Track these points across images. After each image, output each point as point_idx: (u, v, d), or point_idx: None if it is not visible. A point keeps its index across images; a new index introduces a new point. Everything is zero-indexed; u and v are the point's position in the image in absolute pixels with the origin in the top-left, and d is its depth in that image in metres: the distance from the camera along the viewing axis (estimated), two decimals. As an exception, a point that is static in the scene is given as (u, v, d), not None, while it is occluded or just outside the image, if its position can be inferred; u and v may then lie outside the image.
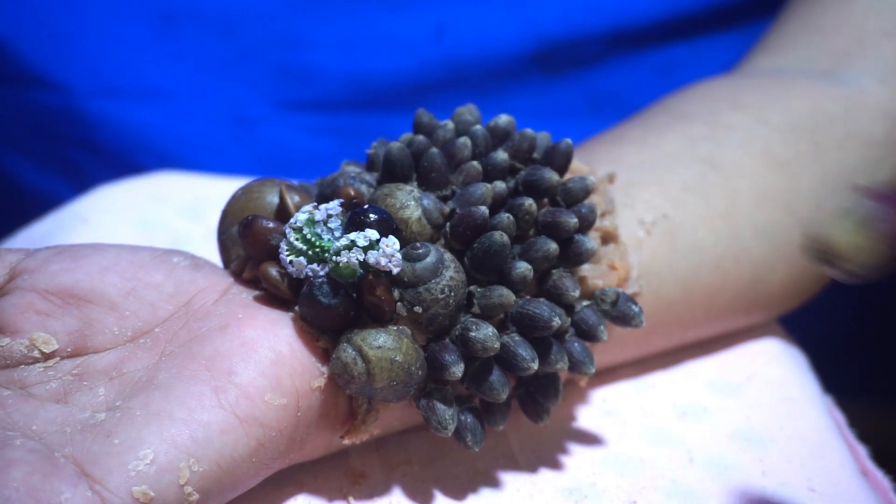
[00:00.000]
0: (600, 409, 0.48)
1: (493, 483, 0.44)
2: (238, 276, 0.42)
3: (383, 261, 0.38)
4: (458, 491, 0.43)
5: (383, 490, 0.43)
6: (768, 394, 0.50)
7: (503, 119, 0.44)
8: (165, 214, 0.59)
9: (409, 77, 0.67)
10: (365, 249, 0.38)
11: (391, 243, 0.38)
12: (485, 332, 0.39)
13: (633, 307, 0.43)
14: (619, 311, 0.43)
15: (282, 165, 0.67)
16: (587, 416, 0.48)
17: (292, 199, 0.42)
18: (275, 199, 0.42)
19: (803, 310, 0.55)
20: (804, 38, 0.57)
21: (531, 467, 0.45)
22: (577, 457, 0.45)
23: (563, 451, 0.46)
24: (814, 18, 0.58)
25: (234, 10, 0.66)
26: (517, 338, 0.41)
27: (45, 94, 0.65)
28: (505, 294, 0.40)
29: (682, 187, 0.49)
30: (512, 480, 0.44)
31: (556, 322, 0.40)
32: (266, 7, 0.66)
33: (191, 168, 0.66)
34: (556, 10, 0.67)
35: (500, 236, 0.40)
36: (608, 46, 0.68)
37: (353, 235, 0.38)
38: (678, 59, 0.70)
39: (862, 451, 0.50)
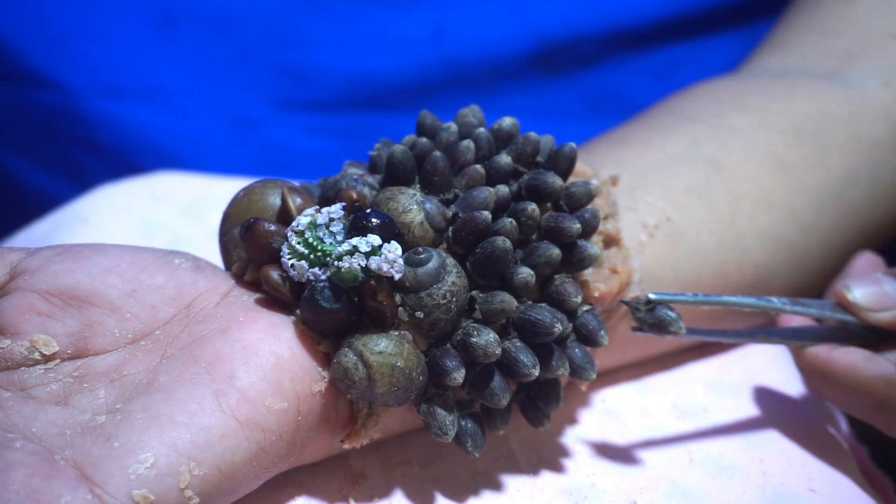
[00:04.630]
0: (600, 409, 0.48)
1: (494, 483, 0.44)
2: (239, 277, 0.42)
3: (385, 267, 0.38)
4: (459, 491, 0.43)
5: (383, 491, 0.43)
6: (768, 394, 0.50)
7: (507, 122, 0.44)
8: (165, 214, 0.59)
9: (408, 77, 0.67)
10: (367, 255, 0.38)
11: (393, 249, 0.38)
12: (486, 338, 0.39)
13: (670, 313, 0.42)
14: (656, 317, 0.42)
15: (281, 165, 0.67)
16: (587, 416, 0.48)
17: (294, 202, 0.41)
18: (277, 201, 0.42)
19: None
20: (809, 38, 0.57)
21: (531, 468, 0.45)
22: (577, 457, 0.45)
23: (564, 451, 0.46)
24: (818, 18, 0.58)
25: (234, 10, 0.66)
26: (518, 343, 0.40)
27: (45, 94, 0.65)
28: (507, 300, 0.40)
29: (685, 190, 0.49)
30: (512, 481, 0.44)
31: (558, 328, 0.40)
32: (266, 7, 0.66)
33: (191, 168, 0.66)
34: (556, 10, 0.67)
35: (503, 242, 0.40)
36: (608, 46, 0.68)
37: (355, 241, 0.38)
38: (678, 59, 0.70)
39: (862, 451, 0.50)
